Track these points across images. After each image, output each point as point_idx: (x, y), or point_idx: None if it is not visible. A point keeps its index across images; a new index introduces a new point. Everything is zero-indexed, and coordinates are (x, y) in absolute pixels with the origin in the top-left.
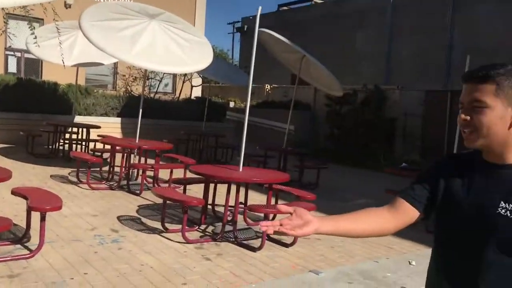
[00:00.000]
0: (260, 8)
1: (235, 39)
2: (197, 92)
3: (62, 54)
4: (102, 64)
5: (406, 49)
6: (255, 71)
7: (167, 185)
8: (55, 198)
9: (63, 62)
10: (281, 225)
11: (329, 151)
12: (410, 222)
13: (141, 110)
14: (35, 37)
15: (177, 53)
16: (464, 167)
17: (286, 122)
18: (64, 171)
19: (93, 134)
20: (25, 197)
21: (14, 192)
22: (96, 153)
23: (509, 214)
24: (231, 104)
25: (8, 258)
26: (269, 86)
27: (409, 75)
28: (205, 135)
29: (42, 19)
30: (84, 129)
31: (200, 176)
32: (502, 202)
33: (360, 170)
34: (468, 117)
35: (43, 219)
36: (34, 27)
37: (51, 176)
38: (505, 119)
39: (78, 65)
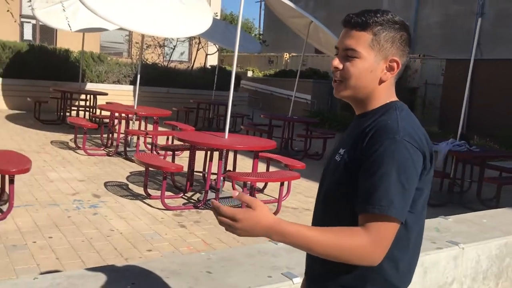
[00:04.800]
0: None
1: (262, 8)
2: (213, 61)
3: (67, 18)
4: (106, 30)
5: (434, 16)
6: (274, 40)
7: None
8: (24, 161)
9: (70, 27)
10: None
11: (345, 121)
12: None
13: (139, 76)
14: (29, 0)
15: (173, 17)
16: (347, 128)
17: (303, 92)
18: (67, 137)
19: (102, 101)
20: None
21: None
22: (96, 119)
23: (338, 159)
24: (249, 73)
25: None
26: (287, 55)
27: (436, 43)
28: (215, 104)
29: None
30: (92, 96)
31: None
32: (341, 149)
33: None
34: (341, 66)
35: (11, 182)
36: None
37: (51, 142)
38: (375, 73)
39: (82, 31)
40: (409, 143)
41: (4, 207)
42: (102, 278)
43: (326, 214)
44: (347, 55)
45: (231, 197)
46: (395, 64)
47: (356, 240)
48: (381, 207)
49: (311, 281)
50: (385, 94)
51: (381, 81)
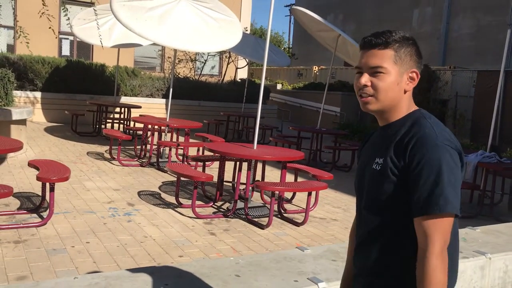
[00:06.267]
0: None
1: (291, 22)
2: (243, 74)
3: (100, 35)
4: (140, 45)
5: (465, 27)
6: (304, 53)
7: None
8: (64, 169)
9: (101, 43)
10: None
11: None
12: None
13: (171, 90)
14: (68, 18)
15: (204, 32)
16: (368, 139)
17: (332, 104)
18: (102, 149)
19: (136, 114)
20: (38, 168)
21: (29, 164)
22: (130, 131)
23: (377, 167)
24: (279, 86)
25: (20, 226)
26: (316, 68)
27: (467, 55)
28: (244, 116)
29: (93, 3)
30: (126, 109)
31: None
32: (377, 158)
33: None
34: (369, 82)
35: (51, 189)
36: (67, 9)
37: (88, 153)
38: (401, 85)
39: (117, 46)
40: (448, 146)
41: (45, 214)
42: (137, 279)
43: (374, 221)
44: (374, 72)
45: (259, 206)
46: (415, 75)
47: (430, 269)
48: (440, 207)
49: (358, 276)
50: (407, 104)
51: (405, 91)
